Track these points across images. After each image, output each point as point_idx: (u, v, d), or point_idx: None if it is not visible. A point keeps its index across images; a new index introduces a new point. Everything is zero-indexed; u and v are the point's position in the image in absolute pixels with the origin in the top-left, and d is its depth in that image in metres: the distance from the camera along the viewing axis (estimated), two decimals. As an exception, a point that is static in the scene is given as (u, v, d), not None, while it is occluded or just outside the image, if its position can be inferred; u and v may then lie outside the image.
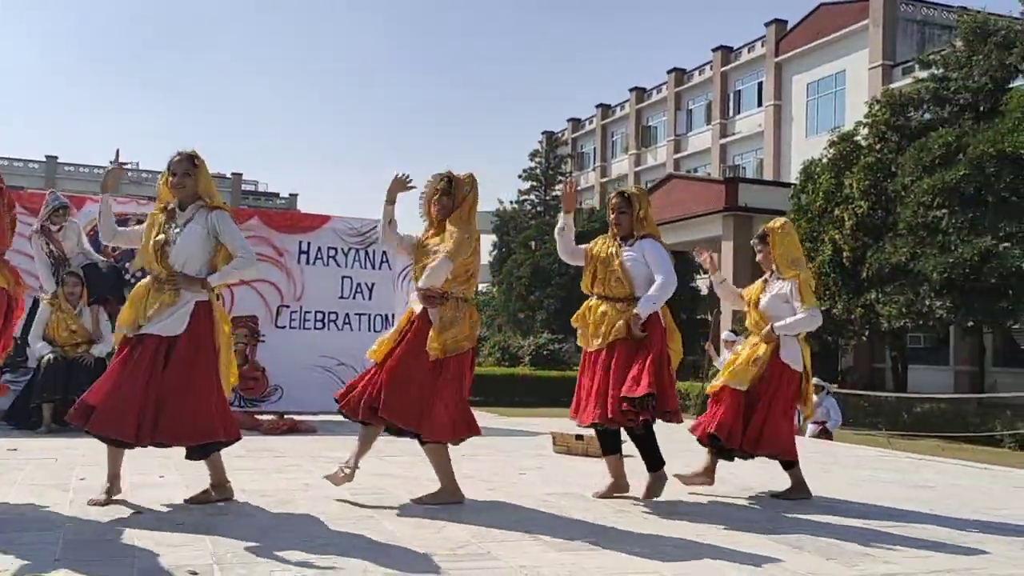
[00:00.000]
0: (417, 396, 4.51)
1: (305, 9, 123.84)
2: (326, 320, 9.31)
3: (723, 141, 40.19)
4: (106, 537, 3.66)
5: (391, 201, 4.89)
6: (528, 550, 3.78)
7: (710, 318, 36.14)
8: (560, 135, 51.94)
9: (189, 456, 4.44)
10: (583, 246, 5.36)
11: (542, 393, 21.03)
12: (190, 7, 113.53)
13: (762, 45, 38.27)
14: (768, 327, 5.37)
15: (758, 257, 5.65)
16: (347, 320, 9.42)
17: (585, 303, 5.27)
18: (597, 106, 49.52)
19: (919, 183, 19.72)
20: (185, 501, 4.45)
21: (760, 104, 38.29)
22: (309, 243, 9.28)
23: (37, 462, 5.58)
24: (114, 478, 4.36)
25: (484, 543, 3.86)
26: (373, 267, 9.54)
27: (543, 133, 51.55)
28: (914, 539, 4.40)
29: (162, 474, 5.28)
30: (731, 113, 40.44)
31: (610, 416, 4.84)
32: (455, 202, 4.74)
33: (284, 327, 9.10)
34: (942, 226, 19.13)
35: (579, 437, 7.18)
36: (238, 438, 4.53)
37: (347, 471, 4.72)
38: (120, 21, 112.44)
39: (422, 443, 4.66)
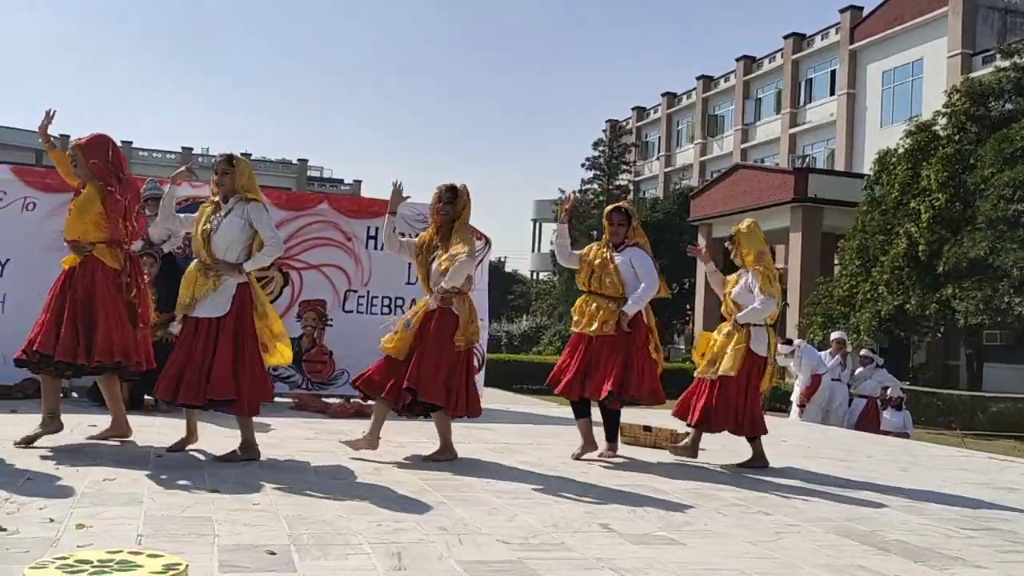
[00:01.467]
0: (445, 381, 5.34)
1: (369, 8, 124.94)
2: (392, 305, 9.34)
3: (793, 130, 39.41)
4: (186, 514, 3.70)
5: (392, 212, 5.69)
6: (602, 542, 3.72)
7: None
8: (624, 123, 51.48)
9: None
10: (578, 252, 6.22)
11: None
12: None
13: (836, 32, 37.37)
14: (734, 316, 6.06)
15: (731, 255, 6.29)
16: (413, 305, 9.43)
17: (581, 298, 6.09)
18: (663, 94, 48.97)
19: (999, 176, 19.09)
20: (215, 459, 5.08)
21: (833, 93, 37.43)
22: (377, 228, 9.28)
23: (116, 440, 5.68)
24: (190, 432, 5.30)
25: (557, 533, 3.82)
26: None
27: (607, 122, 51.16)
28: (1004, 543, 4.23)
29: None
30: (802, 102, 39.62)
31: (586, 394, 5.90)
32: (456, 210, 5.48)
33: (351, 312, 9.16)
34: (1023, 220, 18.49)
35: (647, 428, 7.10)
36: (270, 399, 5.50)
37: (370, 439, 5.47)
38: (187, 10, 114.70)
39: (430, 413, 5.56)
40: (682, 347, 36.38)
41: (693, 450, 6.26)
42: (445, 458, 5.54)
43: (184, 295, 5.01)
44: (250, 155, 59.63)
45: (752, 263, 6.09)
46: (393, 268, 9.20)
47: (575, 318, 6.05)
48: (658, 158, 49.14)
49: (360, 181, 63.16)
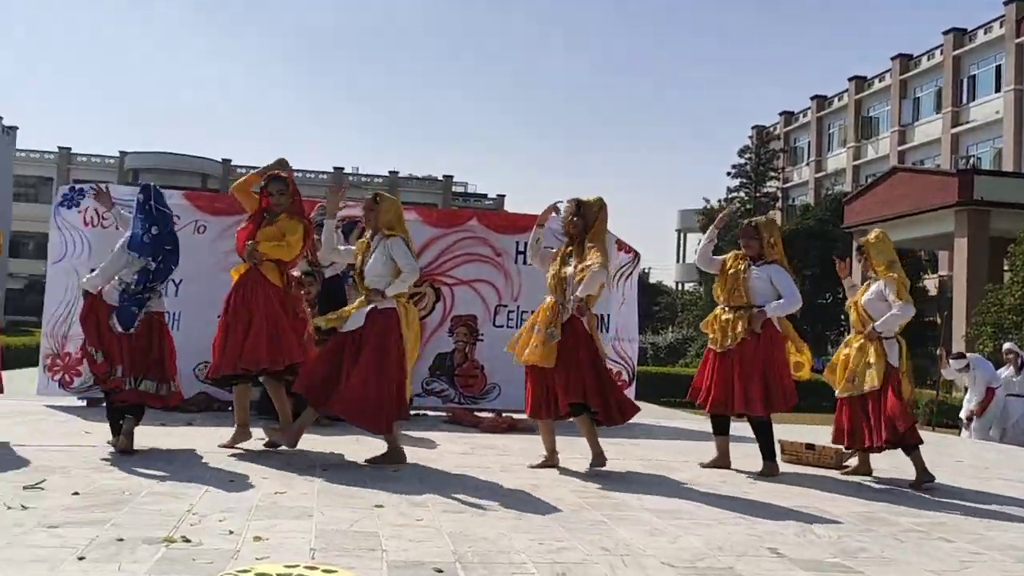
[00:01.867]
0: (594, 385, 5.54)
1: (503, 18, 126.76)
2: (542, 319, 9.35)
3: (955, 130, 37.31)
4: (354, 528, 3.79)
5: (541, 224, 6.03)
6: (771, 567, 3.58)
7: (939, 320, 33.70)
8: (772, 129, 50.07)
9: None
10: (719, 258, 6.33)
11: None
12: (397, 19, 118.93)
13: (1000, 26, 35.20)
14: (871, 326, 6.00)
15: (860, 266, 6.42)
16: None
17: (712, 312, 6.25)
18: (812, 97, 47.36)
19: None
20: (366, 461, 5.56)
21: (998, 89, 35.24)
22: (526, 243, 9.33)
23: (283, 453, 5.90)
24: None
25: (723, 556, 3.70)
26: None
27: (753, 128, 49.89)
28: None
29: (396, 469, 5.44)
30: (964, 100, 37.47)
31: (733, 408, 5.98)
32: (587, 222, 5.70)
33: (502, 326, 9.21)
34: None
35: (810, 446, 6.81)
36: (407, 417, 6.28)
37: (553, 458, 5.83)
38: (325, 33, 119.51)
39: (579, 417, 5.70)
40: (837, 359, 34.92)
41: (866, 469, 6.32)
42: (601, 464, 5.67)
43: (333, 317, 5.67)
44: (397, 172, 61.50)
45: (884, 272, 6.07)
46: (543, 282, 9.21)
47: (710, 335, 6.19)
48: (808, 163, 47.52)
49: (503, 195, 63.92)
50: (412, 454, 5.97)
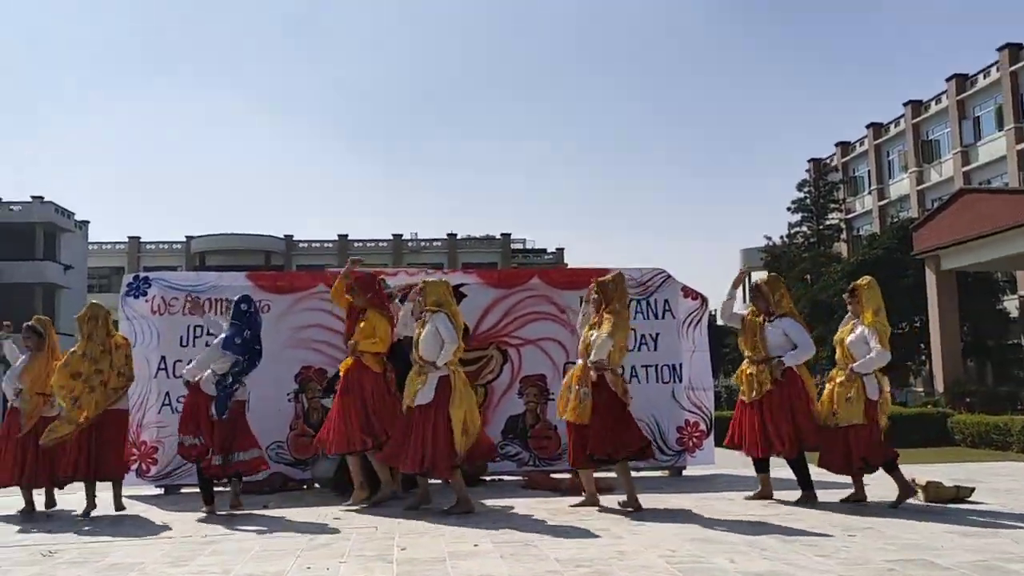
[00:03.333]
0: (626, 434, 6.46)
1: (554, 68, 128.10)
2: (613, 374, 9.15)
3: (1020, 147, 36.29)
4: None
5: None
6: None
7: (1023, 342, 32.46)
8: (829, 160, 49.36)
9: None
10: (740, 313, 7.20)
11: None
12: (440, 83, 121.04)
13: (1057, 36, 34.31)
14: (850, 367, 6.67)
15: (848, 307, 6.99)
16: (634, 372, 9.19)
17: (740, 367, 7.14)
18: (868, 125, 46.61)
19: None
20: (441, 511, 6.43)
21: (1062, 100, 34.25)
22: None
23: (359, 531, 5.79)
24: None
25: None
26: (656, 316, 9.29)
27: (809, 161, 49.26)
28: None
29: (476, 543, 5.28)
30: (1026, 114, 36.48)
31: (764, 450, 6.80)
32: (606, 297, 6.60)
33: (572, 384, 9.03)
34: None
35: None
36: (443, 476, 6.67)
37: (592, 498, 6.75)
38: (368, 102, 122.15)
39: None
40: (920, 389, 33.81)
41: (860, 496, 6.81)
42: (634, 507, 6.47)
43: (408, 394, 6.56)
44: (455, 235, 62.02)
45: (871, 318, 6.71)
46: (610, 337, 9.05)
47: (742, 387, 7.04)
48: (870, 192, 46.60)
49: (563, 249, 63.90)
50: (494, 525, 5.83)
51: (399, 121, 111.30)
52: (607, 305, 6.58)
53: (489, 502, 7.05)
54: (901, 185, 44.38)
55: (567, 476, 8.51)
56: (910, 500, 6.66)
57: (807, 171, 47.03)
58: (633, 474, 8.50)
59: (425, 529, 5.84)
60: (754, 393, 6.81)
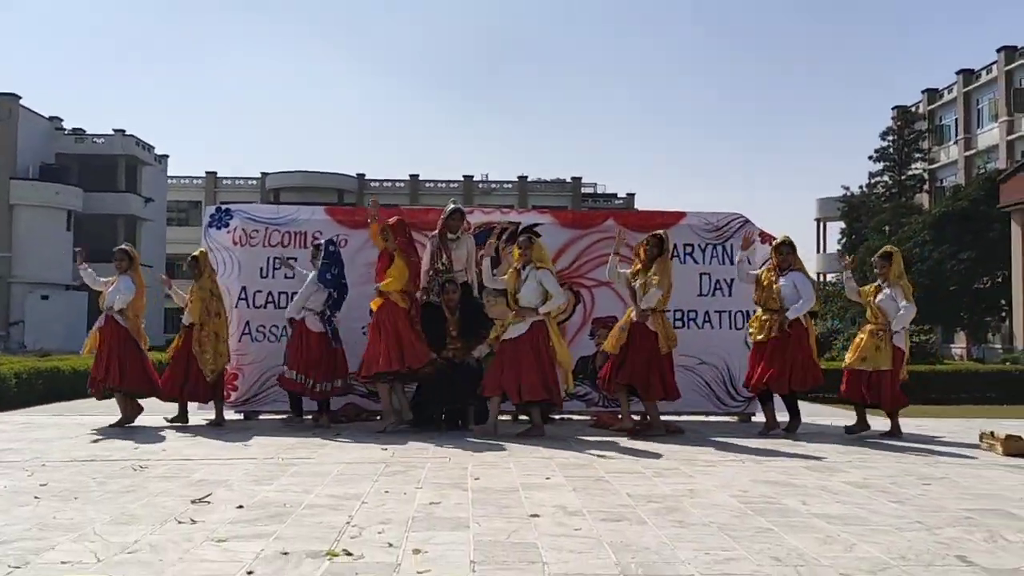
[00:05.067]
0: (658, 375, 7.46)
1: (631, 13, 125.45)
2: (685, 318, 9.09)
3: (1120, 96, 34.48)
4: (512, 539, 3.72)
5: (617, 252, 7.87)
6: (964, 578, 3.29)
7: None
8: (914, 108, 47.57)
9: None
10: (755, 272, 8.12)
11: (913, 389, 19.06)
12: (526, 25, 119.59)
13: None
14: (887, 323, 7.76)
15: (878, 270, 8.04)
16: (707, 318, 9.13)
17: (755, 314, 8.05)
18: (958, 72, 44.69)
19: None
20: (515, 436, 7.17)
21: None
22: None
23: (432, 461, 5.93)
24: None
25: (908, 567, 3.42)
26: (732, 262, 9.15)
27: (894, 108, 47.56)
28: None
29: (548, 476, 5.36)
30: None
31: (764, 383, 7.75)
32: (660, 251, 7.61)
33: (644, 327, 9.00)
34: None
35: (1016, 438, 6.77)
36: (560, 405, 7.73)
37: (626, 420, 7.74)
38: (454, 45, 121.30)
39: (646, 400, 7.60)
40: (998, 346, 32.84)
41: (863, 426, 7.96)
42: (658, 432, 7.49)
43: (498, 330, 7.46)
44: (526, 177, 61.77)
45: (897, 280, 7.87)
46: (684, 282, 8.94)
47: (751, 331, 7.97)
48: (956, 142, 44.87)
49: (633, 194, 63.22)
50: (564, 461, 5.91)
51: (475, 65, 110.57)
52: (660, 256, 7.49)
53: (557, 440, 7.13)
54: (990, 135, 42.65)
55: (635, 418, 8.56)
56: (988, 453, 6.64)
57: (892, 119, 45.36)
58: (702, 419, 8.62)
59: (496, 460, 5.95)
60: (763, 336, 7.75)
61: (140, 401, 8.06)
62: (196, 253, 8.34)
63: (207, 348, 7.94)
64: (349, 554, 3.43)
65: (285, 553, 3.45)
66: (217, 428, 7.82)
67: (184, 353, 8.02)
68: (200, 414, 8.28)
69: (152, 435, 7.27)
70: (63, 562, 3.33)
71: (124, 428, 7.78)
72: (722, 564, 3.41)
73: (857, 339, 8.07)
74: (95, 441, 6.94)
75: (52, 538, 3.69)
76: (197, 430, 7.64)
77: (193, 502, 4.44)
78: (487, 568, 3.27)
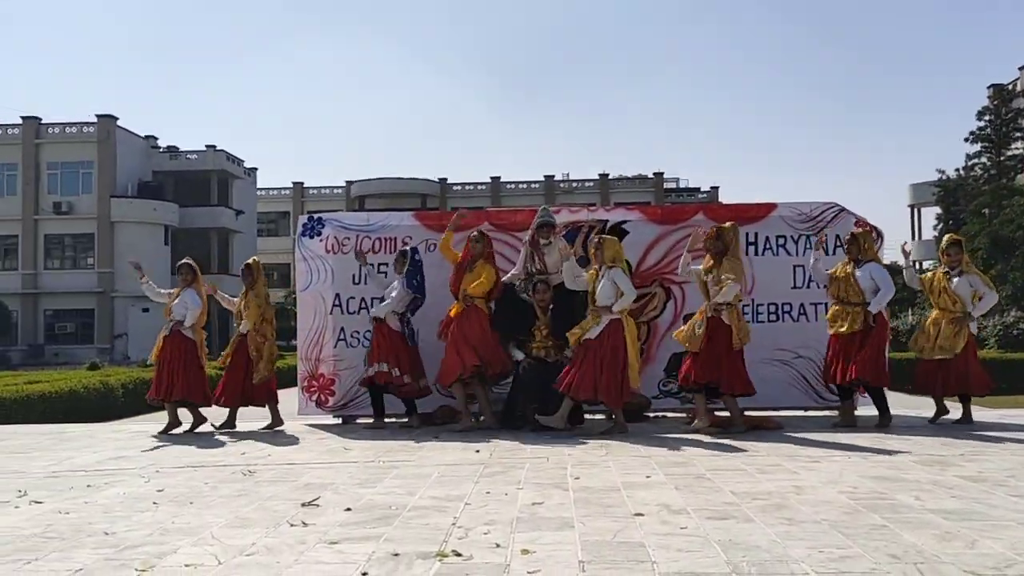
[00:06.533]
0: (729, 369, 7.37)
1: (710, 4, 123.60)
2: (780, 312, 8.90)
3: None
4: (618, 539, 3.70)
5: (689, 250, 7.88)
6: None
7: None
8: (1011, 87, 45.66)
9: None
10: (828, 271, 7.95)
11: (1014, 378, 18.21)
12: (601, 20, 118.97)
13: None
14: (966, 310, 7.75)
15: (947, 259, 7.95)
16: (802, 310, 8.91)
17: (832, 307, 7.84)
18: (1056, 46, 42.84)
19: None
20: (599, 434, 7.25)
21: None
22: (756, 233, 8.91)
23: (532, 461, 5.95)
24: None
25: (1035, 563, 3.28)
26: (827, 253, 8.93)
27: (989, 87, 45.73)
28: None
29: (648, 474, 5.33)
30: None
31: (853, 377, 7.54)
32: (724, 244, 7.45)
33: (738, 321, 8.85)
34: None
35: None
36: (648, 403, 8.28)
37: (709, 417, 7.55)
38: (519, 47, 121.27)
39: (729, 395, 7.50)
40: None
41: (943, 410, 7.95)
42: (739, 429, 7.39)
43: (577, 332, 7.41)
44: (607, 175, 61.48)
45: (969, 267, 7.92)
46: (777, 275, 8.79)
47: (830, 324, 7.78)
48: (1058, 119, 42.89)
49: (717, 187, 62.41)
50: (663, 459, 5.87)
51: (550, 64, 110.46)
52: (728, 250, 7.40)
53: (653, 438, 7.08)
54: (1095, 111, 40.63)
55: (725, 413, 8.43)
56: None
57: (989, 98, 43.61)
58: (802, 414, 8.43)
59: (595, 460, 5.93)
60: (845, 328, 7.58)
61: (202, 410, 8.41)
62: (249, 261, 8.72)
63: (263, 354, 8.29)
64: (459, 555, 3.47)
65: (396, 554, 3.50)
66: (277, 432, 8.12)
67: (239, 360, 8.35)
68: (244, 421, 8.48)
69: (255, 439, 7.48)
70: (187, 565, 3.45)
71: (193, 434, 8.17)
72: (837, 562, 3.33)
73: (927, 328, 7.93)
74: (202, 447, 7.18)
75: (173, 542, 3.83)
76: (291, 436, 7.82)
77: (303, 505, 4.55)
78: (596, 568, 3.26)
